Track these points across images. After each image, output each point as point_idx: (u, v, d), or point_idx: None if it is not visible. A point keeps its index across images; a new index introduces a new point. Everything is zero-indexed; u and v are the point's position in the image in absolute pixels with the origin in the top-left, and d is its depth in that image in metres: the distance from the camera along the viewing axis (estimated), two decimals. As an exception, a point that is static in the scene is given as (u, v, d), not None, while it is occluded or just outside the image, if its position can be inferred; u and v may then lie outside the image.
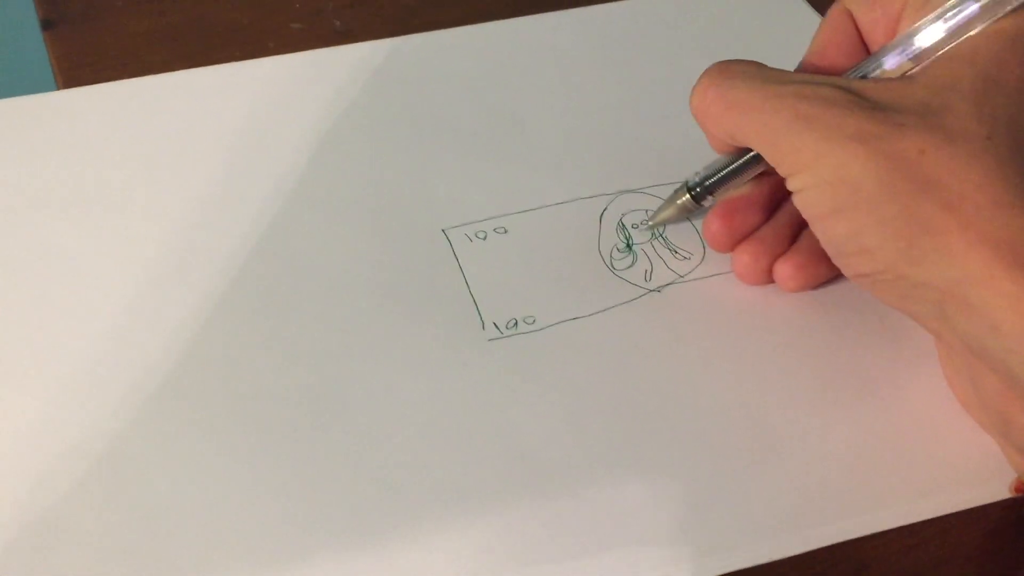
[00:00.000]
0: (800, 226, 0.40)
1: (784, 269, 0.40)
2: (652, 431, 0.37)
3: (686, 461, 0.36)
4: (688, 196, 0.41)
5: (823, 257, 0.37)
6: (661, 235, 0.43)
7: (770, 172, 0.37)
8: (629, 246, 0.42)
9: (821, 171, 0.34)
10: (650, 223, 0.43)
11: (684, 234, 0.43)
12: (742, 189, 0.40)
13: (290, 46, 0.51)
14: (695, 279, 0.41)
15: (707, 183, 0.40)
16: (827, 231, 0.35)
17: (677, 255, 0.42)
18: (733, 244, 0.40)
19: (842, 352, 0.39)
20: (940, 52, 0.35)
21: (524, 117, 0.47)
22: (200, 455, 0.36)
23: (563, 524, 0.34)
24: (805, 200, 0.35)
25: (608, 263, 0.42)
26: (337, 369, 0.38)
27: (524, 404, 0.37)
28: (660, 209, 0.42)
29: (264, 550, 0.34)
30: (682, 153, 0.44)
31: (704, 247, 0.42)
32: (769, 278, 0.40)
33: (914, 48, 0.35)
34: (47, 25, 0.52)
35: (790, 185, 0.36)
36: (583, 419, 0.37)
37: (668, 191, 0.44)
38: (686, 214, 0.42)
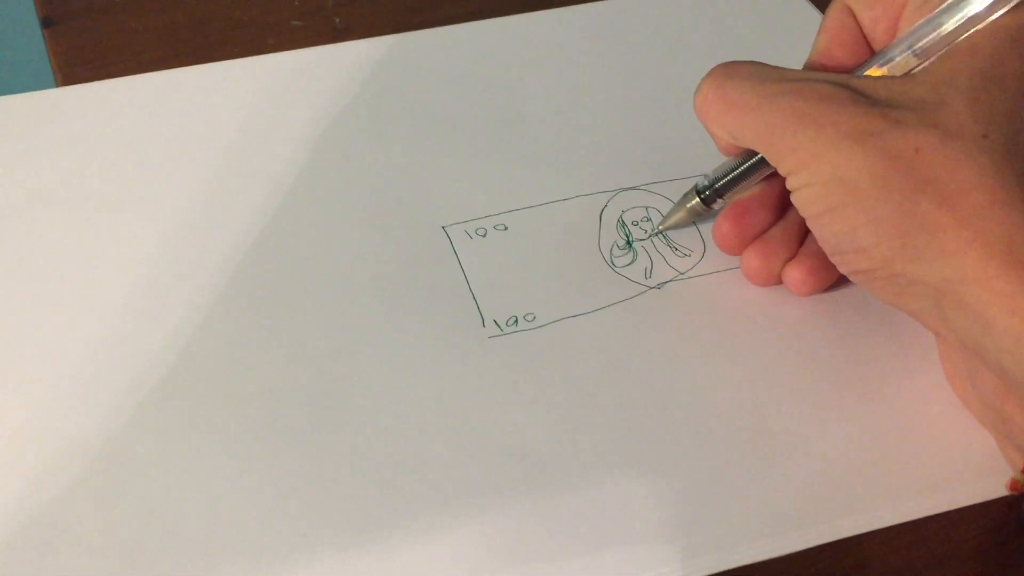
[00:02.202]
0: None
1: (795, 274, 0.40)
2: (653, 428, 0.37)
3: (686, 458, 0.36)
4: (698, 200, 0.41)
5: None
6: (661, 232, 0.43)
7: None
8: (629, 243, 0.42)
9: (818, 170, 0.34)
10: (660, 228, 0.42)
11: (684, 231, 0.43)
12: (752, 190, 0.40)
13: (290, 43, 0.51)
14: (695, 276, 0.41)
15: (717, 186, 0.40)
16: (823, 229, 0.35)
17: (677, 252, 0.42)
18: (743, 246, 0.40)
19: (843, 349, 0.39)
20: (942, 50, 0.35)
21: (524, 114, 0.47)
22: (199, 453, 0.36)
23: (564, 522, 0.34)
24: (802, 198, 0.35)
25: (608, 260, 0.42)
26: (337, 367, 0.38)
27: (524, 402, 0.37)
28: (670, 213, 0.42)
29: (263, 548, 0.34)
30: (683, 150, 0.44)
31: (705, 244, 0.42)
32: (777, 279, 0.40)
33: (917, 46, 0.35)
34: (47, 23, 0.52)
35: (789, 184, 0.36)
36: (584, 417, 0.37)
37: (668, 188, 0.43)
38: (695, 217, 0.42)
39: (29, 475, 0.35)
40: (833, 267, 0.38)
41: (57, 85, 0.49)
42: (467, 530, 0.34)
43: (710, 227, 0.41)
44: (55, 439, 0.36)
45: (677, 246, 0.42)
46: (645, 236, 0.42)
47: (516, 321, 0.40)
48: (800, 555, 0.34)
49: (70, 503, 0.34)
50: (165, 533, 0.34)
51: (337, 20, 0.53)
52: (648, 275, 0.41)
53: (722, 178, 0.40)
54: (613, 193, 0.44)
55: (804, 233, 0.40)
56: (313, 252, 0.42)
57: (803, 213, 0.36)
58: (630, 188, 0.44)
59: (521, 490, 0.35)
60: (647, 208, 0.43)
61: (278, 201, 0.43)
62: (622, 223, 0.43)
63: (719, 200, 0.40)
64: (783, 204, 0.40)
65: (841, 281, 0.40)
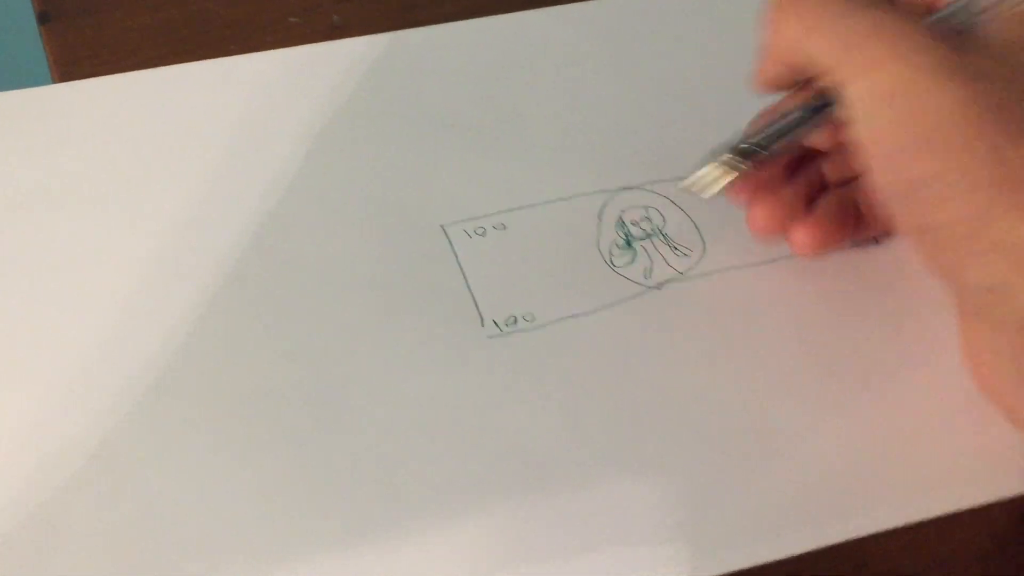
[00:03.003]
0: (817, 193, 0.39)
1: (801, 231, 0.38)
2: (652, 429, 0.37)
3: (685, 459, 0.36)
4: (730, 155, 0.38)
5: (840, 224, 0.36)
6: (661, 232, 0.43)
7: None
8: (629, 243, 0.42)
9: (903, 101, 0.31)
10: (691, 189, 0.39)
11: (684, 231, 0.43)
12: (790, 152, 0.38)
13: (287, 41, 0.51)
14: (695, 276, 0.41)
15: (761, 138, 0.37)
16: (895, 172, 0.32)
17: (677, 252, 0.42)
18: (752, 193, 0.39)
19: (844, 349, 0.39)
20: None
21: (523, 113, 0.47)
22: (197, 452, 0.36)
23: (563, 523, 0.34)
24: (873, 129, 0.32)
25: (608, 260, 0.42)
26: (335, 367, 0.38)
27: (523, 402, 0.37)
28: (700, 177, 0.39)
29: (262, 548, 0.33)
30: (682, 149, 0.44)
31: (704, 244, 0.42)
32: (780, 228, 0.39)
33: None
34: (43, 19, 0.52)
35: (851, 104, 0.32)
36: (583, 417, 0.37)
37: (668, 187, 0.43)
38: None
39: (27, 474, 0.35)
40: (837, 231, 0.37)
41: (53, 81, 0.49)
42: (467, 530, 0.34)
43: (709, 227, 0.41)
44: (53, 438, 0.36)
45: (676, 246, 0.42)
46: (645, 236, 0.42)
47: (515, 321, 0.39)
48: (799, 557, 0.34)
49: (68, 503, 0.34)
50: (164, 533, 0.34)
51: (335, 17, 0.53)
52: (647, 275, 0.41)
53: (770, 131, 0.37)
54: (613, 192, 0.44)
55: (811, 197, 0.39)
56: (311, 251, 0.41)
57: (870, 152, 0.32)
58: (630, 187, 0.44)
59: (520, 490, 0.35)
60: (647, 208, 0.43)
61: (275, 199, 0.43)
62: (621, 223, 0.43)
63: (760, 152, 0.37)
64: (795, 166, 0.39)
65: (842, 279, 0.40)
